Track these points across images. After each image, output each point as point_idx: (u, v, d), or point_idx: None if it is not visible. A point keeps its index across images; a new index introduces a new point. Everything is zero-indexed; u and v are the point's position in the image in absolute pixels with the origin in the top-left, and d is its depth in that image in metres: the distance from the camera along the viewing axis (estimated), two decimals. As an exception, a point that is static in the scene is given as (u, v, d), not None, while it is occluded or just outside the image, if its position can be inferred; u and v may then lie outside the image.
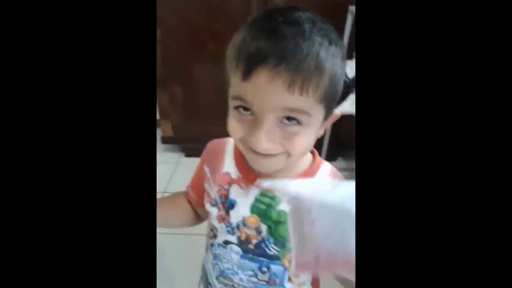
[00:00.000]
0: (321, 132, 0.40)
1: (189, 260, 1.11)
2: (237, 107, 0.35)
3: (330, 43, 0.32)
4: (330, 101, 0.35)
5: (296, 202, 0.30)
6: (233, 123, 0.36)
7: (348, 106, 0.49)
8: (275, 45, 0.30)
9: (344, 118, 0.49)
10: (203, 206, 0.51)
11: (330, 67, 0.32)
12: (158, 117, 1.68)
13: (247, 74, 0.31)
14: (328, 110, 0.36)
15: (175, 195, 0.57)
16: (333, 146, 1.55)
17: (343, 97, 0.38)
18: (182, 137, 1.71)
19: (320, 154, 1.45)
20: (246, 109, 0.34)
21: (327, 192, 0.29)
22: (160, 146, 1.78)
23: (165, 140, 1.74)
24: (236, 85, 0.34)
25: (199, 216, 0.57)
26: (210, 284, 0.51)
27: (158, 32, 1.43)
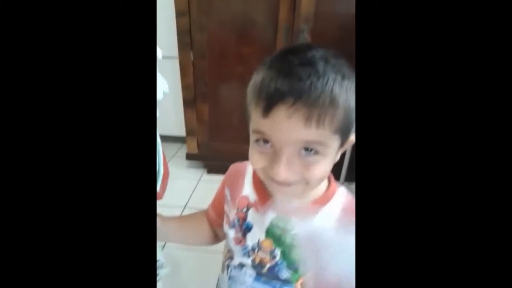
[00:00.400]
0: (337, 157, 0.41)
1: (204, 275, 1.12)
2: (257, 140, 0.37)
3: (343, 78, 0.34)
4: (346, 131, 0.37)
5: (314, 238, 0.30)
6: (254, 155, 0.38)
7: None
8: (292, 85, 0.32)
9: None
10: (222, 226, 0.52)
11: (344, 100, 0.34)
12: (184, 134, 1.75)
13: (267, 111, 0.34)
14: (344, 138, 0.38)
15: (196, 214, 0.59)
16: (352, 168, 1.54)
17: None
18: (206, 154, 1.76)
19: (339, 176, 1.44)
20: (266, 141, 0.36)
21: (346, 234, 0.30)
22: (184, 162, 1.84)
23: (189, 157, 1.80)
24: (257, 121, 0.36)
25: (218, 236, 0.58)
26: None
27: (191, 54, 1.52)
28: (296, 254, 0.42)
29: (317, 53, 0.35)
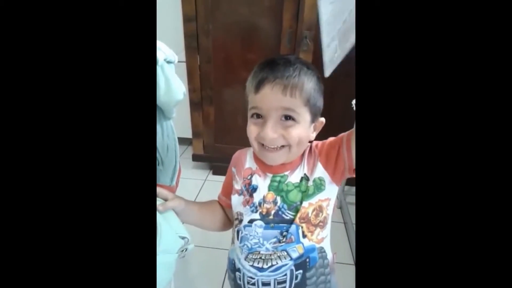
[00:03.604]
0: (313, 136, 0.56)
1: (211, 271, 1.17)
2: (252, 115, 0.53)
3: (307, 68, 0.52)
4: (313, 107, 0.52)
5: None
6: (250, 127, 0.54)
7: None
8: (273, 69, 0.50)
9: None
10: (231, 207, 0.61)
11: (308, 82, 0.50)
12: (191, 136, 1.80)
13: (257, 89, 0.50)
14: (313, 115, 0.53)
15: (211, 201, 0.68)
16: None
17: None
18: (211, 156, 1.81)
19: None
20: (258, 116, 0.52)
21: None
22: (190, 163, 1.89)
23: (195, 158, 1.85)
24: (251, 99, 0.52)
25: (229, 220, 0.67)
26: (238, 269, 0.58)
27: (197, 59, 1.57)
28: (291, 196, 0.54)
29: (291, 56, 0.53)
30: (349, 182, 1.59)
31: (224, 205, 0.67)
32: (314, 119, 0.54)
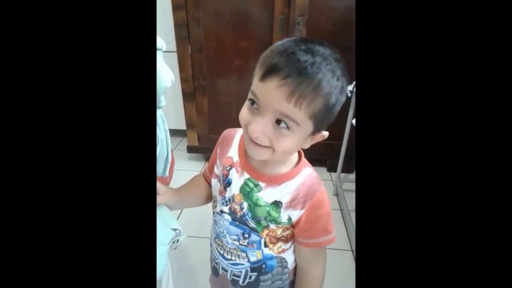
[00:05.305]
0: (307, 145, 0.48)
1: (207, 261, 1.17)
2: (250, 99, 0.44)
3: (333, 76, 0.40)
4: (320, 121, 0.43)
5: None
6: (244, 111, 0.46)
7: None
8: (289, 63, 0.38)
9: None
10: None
11: (326, 94, 0.40)
12: (184, 127, 1.78)
13: (263, 77, 0.40)
14: (317, 128, 0.44)
15: (196, 177, 0.68)
16: (349, 159, 1.58)
17: None
18: (206, 147, 1.80)
19: (336, 167, 1.49)
20: (253, 102, 0.43)
21: None
22: (185, 155, 1.88)
23: (190, 149, 1.84)
24: (255, 83, 0.43)
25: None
26: (211, 244, 0.63)
27: (189, 48, 1.54)
28: (258, 211, 0.51)
29: (323, 50, 0.40)
30: (344, 169, 1.60)
31: (208, 179, 0.66)
32: (316, 132, 0.45)
